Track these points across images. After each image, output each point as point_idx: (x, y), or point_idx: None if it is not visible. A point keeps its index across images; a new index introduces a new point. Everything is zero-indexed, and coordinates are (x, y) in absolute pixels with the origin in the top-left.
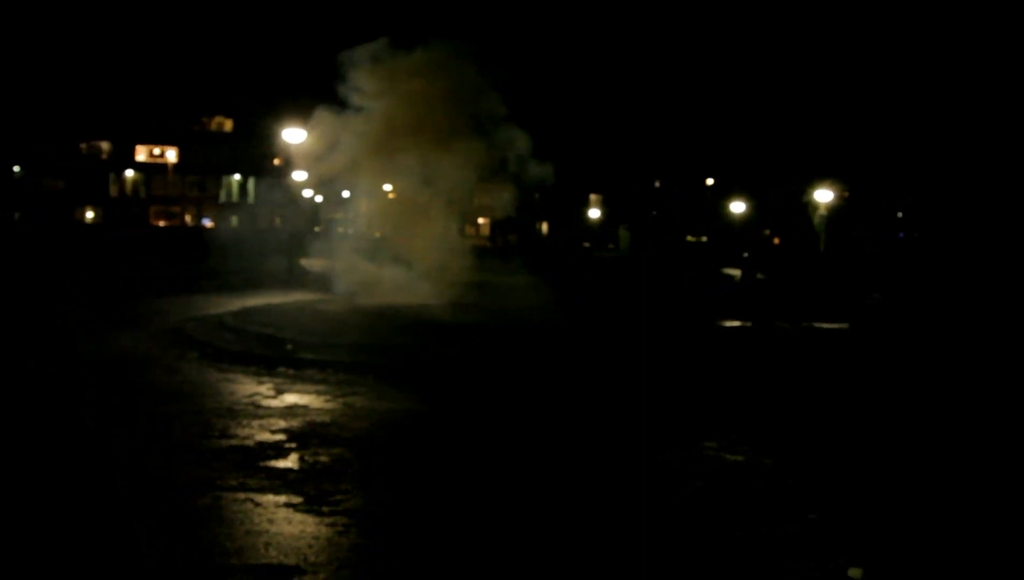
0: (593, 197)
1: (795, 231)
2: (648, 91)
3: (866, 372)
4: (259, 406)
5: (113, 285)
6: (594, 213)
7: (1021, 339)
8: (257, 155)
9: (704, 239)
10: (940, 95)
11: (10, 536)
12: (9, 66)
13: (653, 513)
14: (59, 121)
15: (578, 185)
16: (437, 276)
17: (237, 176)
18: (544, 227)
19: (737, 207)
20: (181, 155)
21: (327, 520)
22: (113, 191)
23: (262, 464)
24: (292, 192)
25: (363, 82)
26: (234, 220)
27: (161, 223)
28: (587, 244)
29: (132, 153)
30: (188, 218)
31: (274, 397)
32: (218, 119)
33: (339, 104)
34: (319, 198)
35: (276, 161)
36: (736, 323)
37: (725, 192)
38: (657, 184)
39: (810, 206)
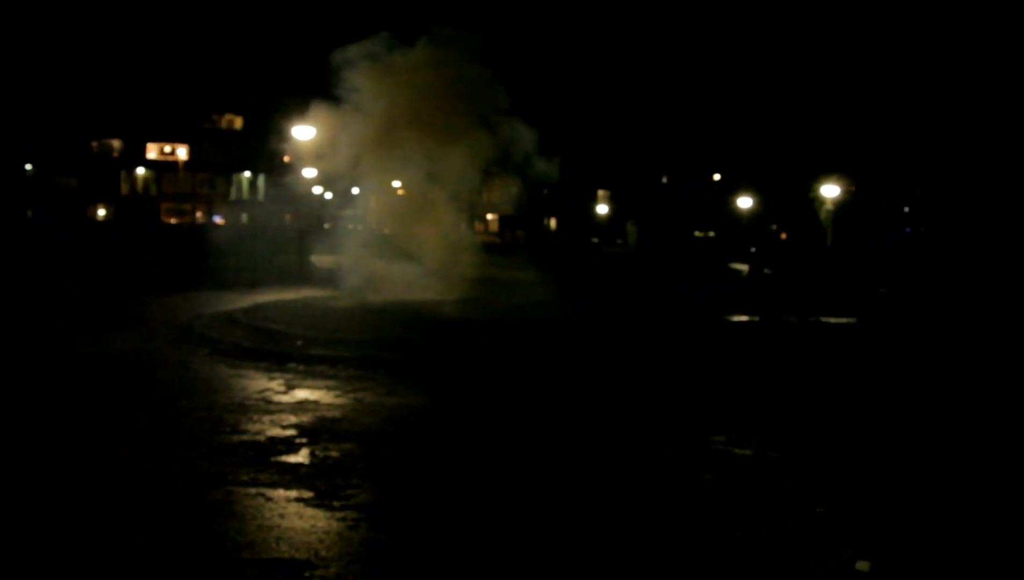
0: (601, 193)
1: (802, 226)
2: (655, 87)
3: (873, 366)
4: (270, 402)
5: (123, 283)
6: (602, 209)
7: None
8: (267, 152)
9: (711, 234)
10: (946, 90)
11: (22, 533)
12: (21, 65)
13: (662, 507)
14: (71, 120)
15: (586, 181)
16: (446, 272)
17: (247, 173)
18: (552, 223)
19: (744, 202)
20: (192, 153)
21: (338, 515)
22: (124, 189)
23: (273, 459)
24: (301, 189)
25: (366, 76)
26: (244, 217)
27: (172, 220)
28: (595, 239)
29: (143, 151)
30: (199, 215)
31: (285, 393)
32: (228, 116)
33: (344, 99)
34: (328, 195)
35: (286, 158)
36: (744, 318)
37: (732, 188)
38: (664, 180)
39: (817, 201)
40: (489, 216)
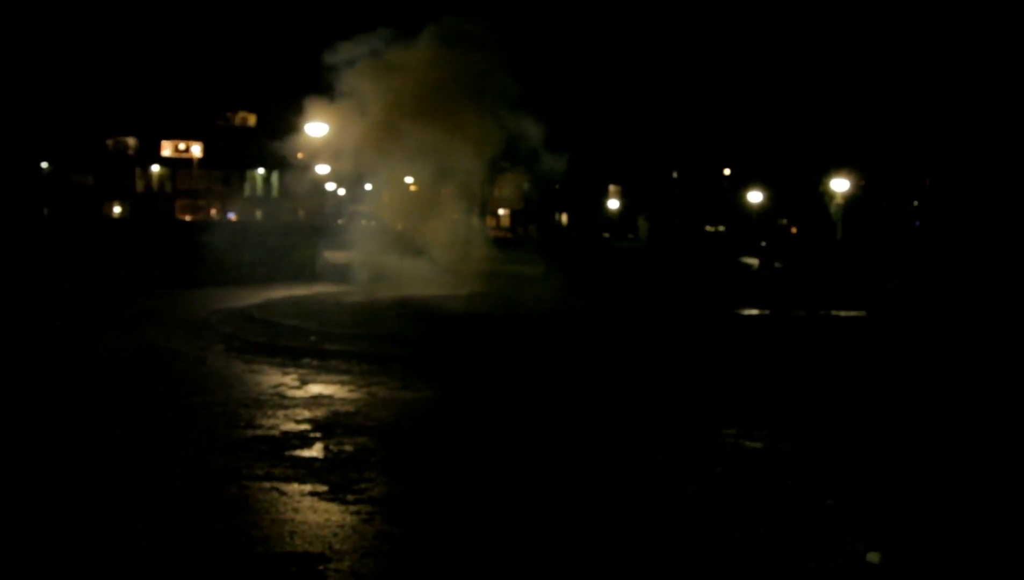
0: (612, 188)
1: (812, 221)
2: (666, 83)
3: (883, 359)
4: (284, 396)
5: (136, 281)
6: (613, 204)
7: None
8: (280, 149)
9: (722, 229)
10: (955, 84)
11: (39, 527)
12: (37, 65)
13: (673, 501)
14: (86, 118)
15: (597, 176)
16: (458, 268)
17: (261, 170)
18: (564, 218)
19: (754, 197)
20: (206, 150)
21: (352, 508)
22: (140, 186)
23: (287, 453)
24: (315, 185)
25: (369, 70)
26: (258, 213)
27: (187, 217)
28: (607, 234)
29: (158, 148)
30: (213, 212)
31: (299, 387)
32: (242, 114)
33: (349, 94)
34: (342, 191)
35: (299, 155)
36: (754, 311)
37: (742, 182)
38: (675, 175)
39: (826, 196)
40: (501, 211)
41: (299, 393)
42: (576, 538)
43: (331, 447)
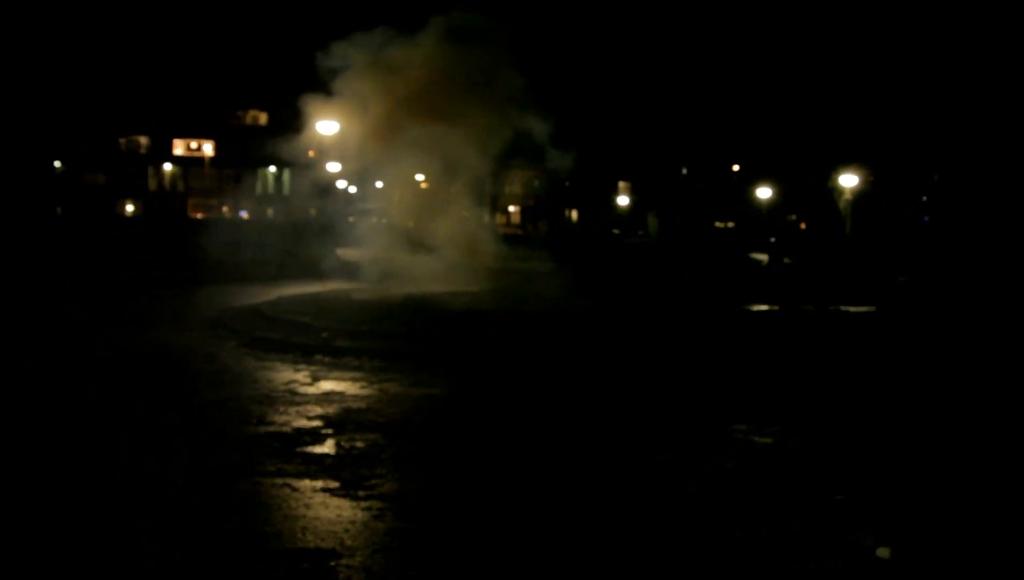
0: (622, 184)
1: (821, 216)
2: (675, 80)
3: (893, 354)
4: (296, 393)
5: (149, 278)
6: (623, 200)
7: None
8: (291, 147)
9: (731, 225)
10: (964, 79)
11: (65, 515)
12: (49, 63)
13: (681, 497)
14: (99, 118)
15: (607, 173)
16: (468, 264)
17: (272, 168)
18: (574, 214)
19: (763, 193)
20: (217, 148)
21: (363, 504)
22: (152, 184)
23: (299, 450)
24: (326, 183)
25: (370, 67)
26: (270, 211)
27: (199, 215)
28: (616, 231)
29: (170, 147)
30: (225, 210)
31: (310, 384)
32: (253, 112)
33: (350, 91)
34: (353, 189)
35: (310, 153)
36: (764, 307)
37: (751, 178)
38: (685, 171)
39: (835, 191)
40: (511, 208)
41: (311, 390)
42: (579, 537)
43: (343, 443)
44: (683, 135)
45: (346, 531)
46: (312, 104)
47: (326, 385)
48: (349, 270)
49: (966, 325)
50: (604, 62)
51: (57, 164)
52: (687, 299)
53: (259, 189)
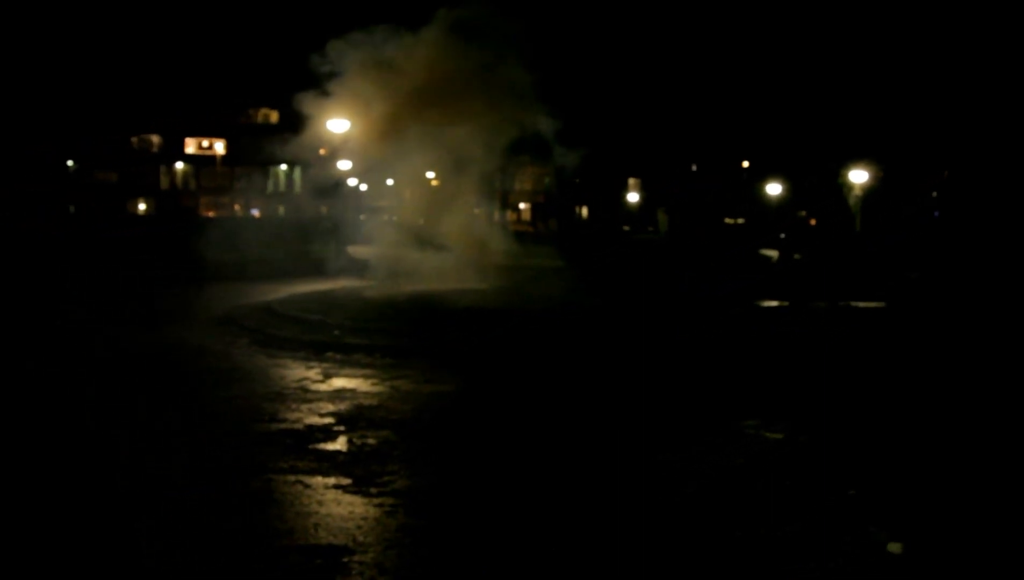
0: (631, 181)
1: (831, 212)
2: (684, 76)
3: (904, 349)
4: (308, 390)
5: (161, 277)
6: (633, 197)
7: None
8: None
9: (741, 221)
10: (974, 75)
11: (76, 509)
12: (61, 63)
13: (699, 490)
14: (111, 116)
15: (617, 170)
16: (479, 262)
17: (284, 166)
18: (584, 211)
19: (773, 189)
20: (229, 147)
21: (375, 501)
22: (164, 183)
23: (311, 447)
24: (335, 181)
25: (374, 62)
26: (281, 209)
27: (211, 214)
28: (626, 227)
29: (182, 146)
30: (237, 208)
31: (322, 381)
32: (264, 111)
33: (351, 85)
34: (364, 186)
35: (321, 151)
36: (774, 303)
37: (761, 175)
38: (694, 168)
39: (845, 187)
40: (521, 205)
41: (323, 387)
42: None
43: (354, 440)
44: (693, 132)
45: (358, 527)
46: (322, 102)
47: (338, 382)
48: (360, 268)
49: (977, 320)
50: (614, 59)
51: (70, 163)
52: (695, 296)
53: (270, 187)
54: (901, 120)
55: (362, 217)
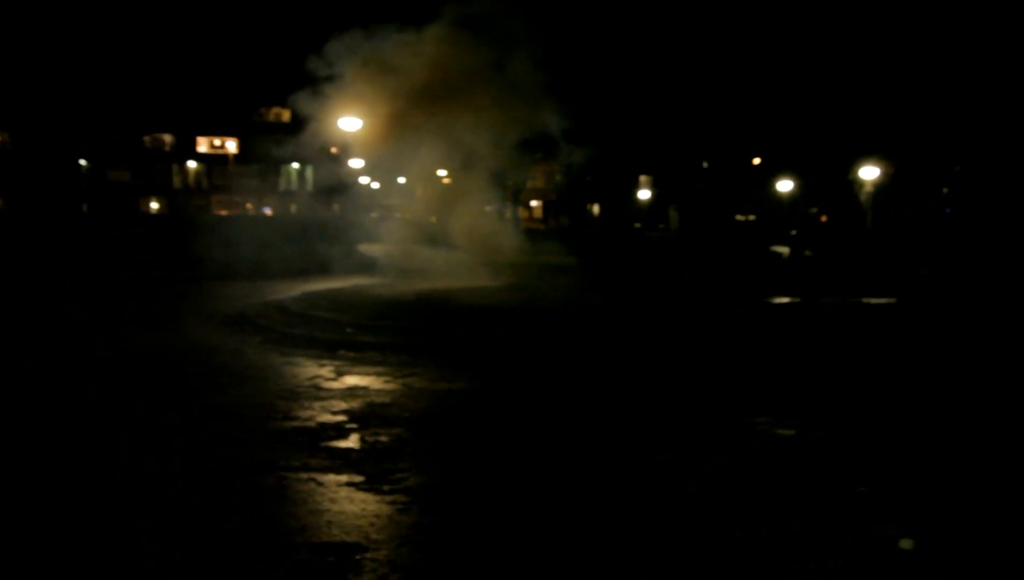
0: (643, 178)
1: (842, 208)
2: (695, 73)
3: (915, 345)
4: (320, 388)
5: (175, 275)
6: (644, 194)
7: None
8: (314, 144)
9: (752, 218)
10: (985, 71)
11: (95, 500)
12: (73, 62)
13: (711, 486)
14: (123, 116)
15: (628, 167)
16: (490, 260)
17: (295, 164)
18: (595, 209)
19: (784, 186)
20: (241, 146)
21: (388, 498)
22: (176, 182)
23: (324, 445)
24: (349, 179)
25: (394, 57)
26: (293, 207)
27: (223, 212)
28: (638, 225)
29: (194, 145)
30: (249, 207)
31: (335, 379)
32: (276, 110)
33: (373, 82)
34: (375, 185)
35: (333, 149)
36: (785, 299)
37: (772, 171)
38: (705, 165)
39: (856, 183)
40: (533, 203)
41: (335, 385)
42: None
43: (367, 438)
44: (704, 129)
45: (371, 525)
46: (333, 100)
47: (350, 380)
48: (372, 266)
49: (988, 316)
50: (625, 56)
51: (82, 162)
52: (703, 293)
53: (283, 185)
54: (912, 116)
55: (374, 215)
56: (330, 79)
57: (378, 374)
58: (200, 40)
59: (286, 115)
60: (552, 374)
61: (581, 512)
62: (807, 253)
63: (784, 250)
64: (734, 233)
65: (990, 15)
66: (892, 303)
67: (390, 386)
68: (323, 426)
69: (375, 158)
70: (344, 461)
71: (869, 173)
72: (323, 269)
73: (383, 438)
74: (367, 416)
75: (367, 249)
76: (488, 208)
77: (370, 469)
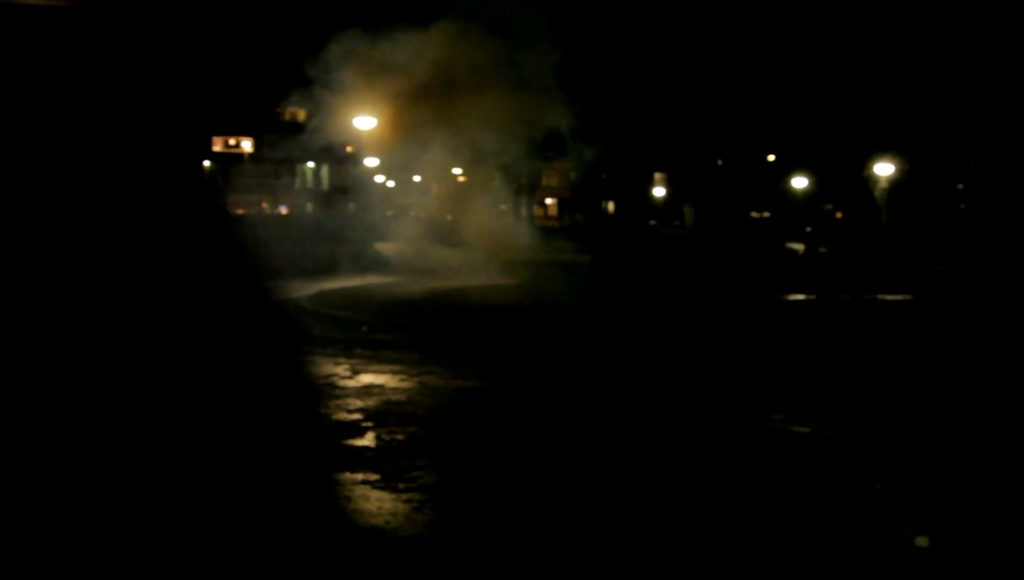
0: (657, 176)
1: (856, 205)
2: (709, 71)
3: (931, 342)
4: (336, 386)
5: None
6: (659, 191)
7: None
8: (329, 143)
9: (767, 215)
10: (1001, 67)
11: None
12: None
13: (725, 483)
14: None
15: (643, 164)
16: (505, 258)
17: (311, 163)
18: (610, 206)
19: (799, 183)
20: (256, 145)
21: (403, 497)
22: None
23: (339, 443)
24: (364, 178)
25: (406, 53)
26: (309, 206)
27: (239, 211)
28: (652, 222)
29: (209, 144)
30: (265, 205)
31: (350, 377)
32: (291, 109)
33: (386, 81)
34: (391, 183)
35: (348, 148)
36: (800, 296)
37: (787, 168)
38: (720, 162)
39: (871, 180)
40: (548, 200)
41: (351, 383)
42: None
43: (383, 436)
44: (718, 126)
45: (387, 523)
46: (348, 99)
47: (366, 378)
48: (387, 264)
49: (1003, 313)
50: (639, 53)
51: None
52: (720, 290)
53: (298, 184)
54: (927, 113)
55: (389, 213)
56: (344, 78)
57: (394, 372)
58: (216, 39)
59: (302, 114)
60: (567, 373)
61: (590, 511)
62: (822, 250)
63: (799, 247)
64: (749, 230)
65: (1006, 11)
66: (907, 300)
67: (406, 384)
68: (339, 424)
69: (391, 157)
70: (360, 459)
71: (884, 170)
72: (338, 268)
73: (399, 436)
74: (383, 414)
75: (382, 248)
76: (503, 206)
77: (386, 467)
